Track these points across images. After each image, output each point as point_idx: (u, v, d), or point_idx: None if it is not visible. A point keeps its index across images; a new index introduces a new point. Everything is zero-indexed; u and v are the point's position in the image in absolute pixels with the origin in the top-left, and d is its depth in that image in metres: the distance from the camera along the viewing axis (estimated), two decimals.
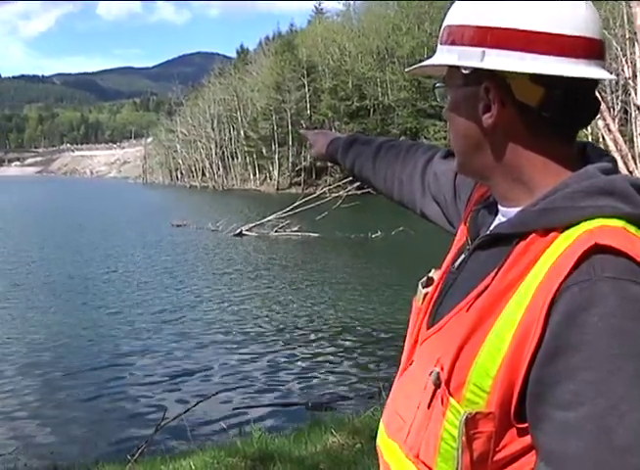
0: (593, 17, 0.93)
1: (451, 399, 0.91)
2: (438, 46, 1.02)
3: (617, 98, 27.00)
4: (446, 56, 0.99)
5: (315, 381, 8.48)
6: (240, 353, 9.75)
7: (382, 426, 1.11)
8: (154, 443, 5.79)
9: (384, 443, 1.09)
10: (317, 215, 23.24)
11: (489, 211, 1.06)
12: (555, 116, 0.93)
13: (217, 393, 7.53)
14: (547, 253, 0.86)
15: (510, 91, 0.93)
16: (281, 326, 11.44)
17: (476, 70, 0.94)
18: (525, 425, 0.87)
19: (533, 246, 0.88)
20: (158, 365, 9.23)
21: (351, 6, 77.61)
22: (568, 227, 0.87)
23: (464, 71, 0.96)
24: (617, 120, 14.46)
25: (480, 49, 0.93)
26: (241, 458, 4.63)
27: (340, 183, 25.76)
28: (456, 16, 0.98)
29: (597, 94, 0.98)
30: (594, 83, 0.94)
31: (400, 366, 1.13)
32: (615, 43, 23.82)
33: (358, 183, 26.44)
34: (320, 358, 9.45)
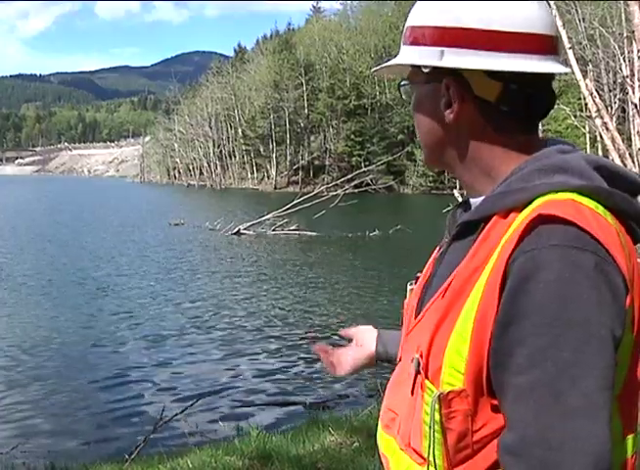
0: (545, 14, 0.97)
1: (426, 381, 0.94)
2: (402, 46, 1.06)
3: (615, 97, 27.01)
4: (409, 55, 1.03)
5: (313, 380, 8.47)
6: (237, 352, 9.74)
7: (379, 423, 1.14)
8: (151, 441, 5.79)
9: (381, 438, 1.11)
10: (315, 214, 23.25)
11: (465, 207, 1.10)
12: (513, 109, 0.97)
13: (215, 392, 7.53)
14: (507, 233, 0.89)
15: (469, 87, 0.98)
16: (279, 325, 11.44)
17: (436, 69, 0.98)
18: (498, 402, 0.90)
19: (496, 228, 0.92)
20: (155, 364, 9.22)
21: (348, 5, 77.68)
22: (525, 206, 0.90)
23: (424, 70, 1.00)
24: (614, 119, 14.46)
25: (439, 48, 0.97)
26: (239, 457, 4.63)
27: (337, 182, 25.83)
28: (417, 16, 1.02)
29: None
30: (550, 77, 0.99)
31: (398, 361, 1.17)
32: (612, 41, 23.81)
33: (355, 182, 26.53)
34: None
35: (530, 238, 0.85)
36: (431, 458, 0.94)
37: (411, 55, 1.02)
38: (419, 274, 1.19)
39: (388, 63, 1.08)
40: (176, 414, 6.28)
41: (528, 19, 0.95)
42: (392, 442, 1.06)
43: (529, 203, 0.90)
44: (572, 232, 0.85)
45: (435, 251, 1.15)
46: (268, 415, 7.18)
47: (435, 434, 0.93)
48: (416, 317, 1.07)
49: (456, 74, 0.97)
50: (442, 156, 1.06)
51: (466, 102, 0.98)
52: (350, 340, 1.48)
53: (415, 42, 1.01)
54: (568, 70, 1.01)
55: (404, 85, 1.10)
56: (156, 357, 9.54)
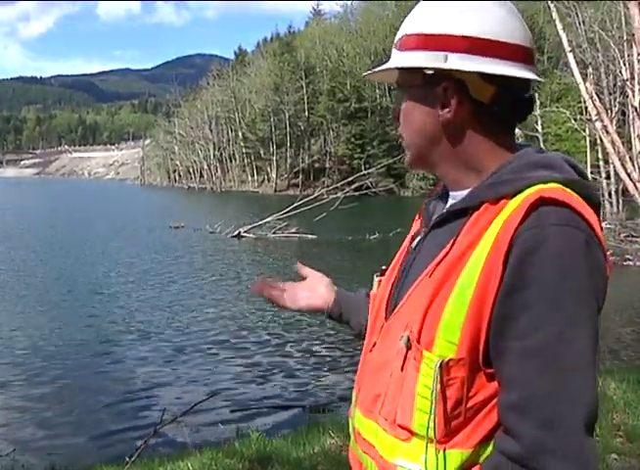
0: (527, 30, 1.12)
1: (424, 351, 1.03)
2: (396, 52, 1.15)
3: (615, 100, 26.97)
4: (412, 59, 1.11)
5: (313, 382, 8.47)
6: (237, 355, 9.74)
7: (356, 413, 1.19)
8: (151, 444, 5.78)
9: (362, 425, 1.16)
10: (315, 217, 23.24)
11: (439, 200, 1.22)
12: (502, 111, 1.09)
13: (215, 394, 7.52)
14: (499, 216, 1.01)
15: (466, 90, 1.08)
16: (278, 327, 11.43)
17: (435, 72, 1.08)
18: (492, 370, 1.00)
19: (486, 213, 1.03)
20: (156, 367, 9.21)
21: (349, 7, 77.75)
22: (514, 195, 1.02)
23: (428, 72, 1.09)
24: (614, 122, 14.46)
25: (444, 53, 1.07)
26: (239, 460, 4.62)
27: (338, 185, 25.81)
28: (416, 25, 1.12)
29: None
30: (529, 84, 1.12)
31: (361, 356, 1.24)
32: (612, 45, 23.84)
33: (356, 185, 26.53)
34: (318, 360, 9.45)
35: (533, 217, 0.97)
36: (431, 424, 1.01)
37: (415, 59, 1.11)
38: (384, 267, 1.30)
39: (386, 66, 1.17)
40: (176, 417, 6.27)
41: (516, 32, 1.09)
42: (373, 424, 1.12)
43: (518, 192, 1.01)
44: (568, 213, 0.97)
45: (406, 243, 1.25)
46: (268, 418, 7.17)
47: (429, 404, 1.01)
48: (387, 306, 1.17)
49: (455, 78, 1.08)
50: (430, 155, 1.15)
51: (462, 103, 1.09)
52: (303, 278, 1.50)
53: (417, 48, 1.10)
54: (543, 79, 1.14)
55: (395, 89, 1.20)
56: (156, 360, 9.53)
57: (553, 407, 0.94)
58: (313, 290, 1.47)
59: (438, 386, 1.00)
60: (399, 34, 1.15)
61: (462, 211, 1.08)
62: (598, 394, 0.97)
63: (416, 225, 1.26)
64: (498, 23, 1.07)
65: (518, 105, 1.11)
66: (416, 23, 1.12)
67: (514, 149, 1.11)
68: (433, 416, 1.00)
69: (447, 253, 1.04)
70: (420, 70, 1.10)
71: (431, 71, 1.09)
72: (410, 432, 1.04)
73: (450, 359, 1.00)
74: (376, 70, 1.20)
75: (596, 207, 1.04)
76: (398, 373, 1.07)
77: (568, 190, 1.01)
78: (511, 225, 0.97)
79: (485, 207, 1.04)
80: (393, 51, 1.16)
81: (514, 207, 0.99)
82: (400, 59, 1.13)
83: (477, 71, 1.06)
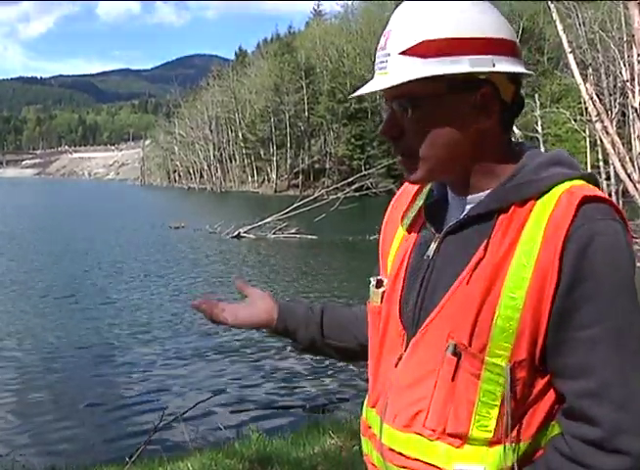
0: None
1: (487, 358, 1.03)
2: (414, 60, 1.04)
3: (615, 101, 26.98)
4: (451, 66, 1.04)
5: (313, 383, 8.47)
6: (237, 355, 9.74)
7: (384, 430, 1.15)
8: (151, 444, 5.78)
9: (395, 440, 1.13)
10: (315, 217, 23.24)
11: (439, 204, 1.17)
12: (519, 108, 1.12)
13: (215, 394, 7.53)
14: (533, 217, 1.02)
15: (499, 93, 1.08)
16: None
17: (465, 79, 1.04)
18: (544, 366, 1.03)
19: (516, 215, 1.04)
20: (155, 367, 9.22)
21: (349, 8, 77.72)
22: (540, 195, 1.03)
23: (473, 77, 1.04)
24: (614, 123, 14.47)
25: (490, 57, 1.05)
26: (239, 460, 4.63)
27: (338, 185, 25.81)
28: (439, 29, 1.04)
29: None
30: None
31: (375, 371, 1.20)
32: (612, 46, 23.86)
33: (356, 185, 26.56)
34: (318, 361, 9.44)
35: (581, 214, 1.00)
36: (498, 427, 1.03)
37: (457, 65, 1.04)
38: (379, 278, 1.23)
39: (419, 75, 1.04)
40: (176, 417, 6.28)
41: (510, 29, 1.10)
42: (416, 437, 1.10)
43: (545, 192, 1.03)
44: (607, 208, 1.02)
45: (397, 255, 1.20)
46: (268, 418, 7.17)
47: (492, 410, 1.04)
48: (403, 319, 1.14)
49: (491, 82, 1.06)
50: (452, 167, 1.10)
51: (497, 107, 1.08)
52: (245, 296, 1.45)
53: (456, 53, 1.04)
54: (533, 73, 1.20)
55: (399, 101, 1.08)
56: (156, 361, 9.53)
57: (629, 389, 0.99)
58: (255, 306, 1.41)
59: (509, 389, 1.02)
60: (410, 40, 1.05)
61: (483, 216, 1.07)
62: None
63: (414, 231, 1.20)
64: (501, 22, 1.09)
65: (522, 102, 1.13)
66: (433, 27, 1.04)
67: (515, 148, 1.13)
68: (506, 418, 1.03)
69: (482, 257, 1.03)
70: (442, 77, 1.03)
71: (482, 74, 1.05)
72: (463, 437, 1.05)
73: (515, 362, 1.02)
74: (382, 86, 1.08)
75: None
76: (448, 383, 1.06)
77: (590, 185, 1.06)
78: (561, 224, 1.00)
79: (514, 209, 1.04)
80: (402, 59, 1.05)
81: (551, 206, 1.02)
82: (430, 67, 1.04)
83: (507, 72, 1.07)
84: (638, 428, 0.98)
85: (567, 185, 1.03)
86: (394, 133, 1.10)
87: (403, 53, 1.05)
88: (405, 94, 1.07)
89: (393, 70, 1.06)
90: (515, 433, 1.04)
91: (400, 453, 1.11)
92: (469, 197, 1.11)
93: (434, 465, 1.07)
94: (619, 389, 0.99)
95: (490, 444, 1.04)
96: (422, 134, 1.08)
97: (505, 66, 1.06)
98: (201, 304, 1.42)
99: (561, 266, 0.99)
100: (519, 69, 1.08)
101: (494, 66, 1.04)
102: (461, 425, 1.05)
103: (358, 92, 1.16)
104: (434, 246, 1.13)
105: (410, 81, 1.04)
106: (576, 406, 1.01)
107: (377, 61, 1.11)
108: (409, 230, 1.21)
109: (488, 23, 1.06)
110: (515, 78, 1.09)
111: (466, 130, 1.07)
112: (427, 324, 1.10)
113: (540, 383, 1.05)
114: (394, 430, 1.13)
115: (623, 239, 1.02)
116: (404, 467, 1.11)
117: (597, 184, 1.09)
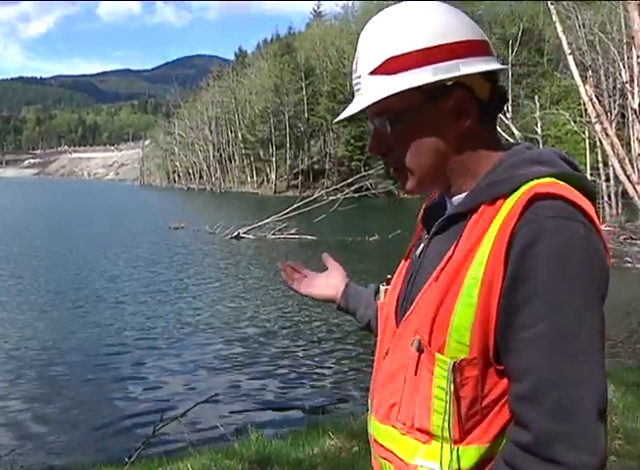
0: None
1: (437, 354, 1.04)
2: (381, 78, 1.07)
3: (615, 102, 26.98)
4: (416, 78, 1.05)
5: (313, 384, 8.47)
6: (237, 356, 9.73)
7: (372, 420, 1.20)
8: (151, 445, 5.78)
9: (378, 432, 1.17)
10: (315, 218, 23.25)
11: (438, 206, 1.21)
12: (498, 104, 1.12)
13: (215, 395, 7.52)
14: (498, 216, 1.02)
15: (474, 93, 1.08)
16: (278, 329, 11.44)
17: (437, 85, 1.06)
18: (502, 366, 1.01)
19: (485, 214, 1.04)
20: (155, 368, 9.21)
21: (349, 8, 77.80)
22: (510, 193, 1.02)
23: (442, 84, 1.05)
24: (614, 125, 14.48)
25: (454, 62, 1.05)
26: (238, 461, 4.63)
27: (337, 186, 25.80)
28: (400, 44, 1.06)
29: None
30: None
31: (375, 364, 1.24)
32: (612, 47, 23.86)
33: (355, 186, 26.53)
34: (318, 361, 9.45)
35: (530, 212, 0.98)
36: (445, 425, 1.03)
37: (421, 76, 1.05)
38: (389, 276, 1.32)
39: (387, 93, 1.06)
40: (176, 417, 6.27)
41: (475, 28, 1.11)
42: (392, 430, 1.13)
43: (515, 189, 1.02)
44: (562, 205, 0.98)
45: (411, 248, 1.27)
46: (268, 419, 7.17)
47: (445, 405, 1.02)
48: (396, 314, 1.18)
49: (464, 84, 1.07)
50: (440, 173, 1.12)
51: (474, 107, 1.08)
52: (325, 269, 1.62)
53: (419, 64, 1.05)
54: (505, 67, 1.20)
55: (378, 119, 1.11)
56: (155, 361, 9.53)
57: (564, 394, 0.94)
58: (328, 280, 1.59)
59: (452, 386, 1.01)
60: (376, 60, 1.08)
61: (461, 215, 1.08)
62: (606, 380, 0.97)
63: (418, 233, 1.27)
64: (464, 23, 1.10)
65: (503, 96, 1.12)
66: (396, 43, 1.06)
67: (501, 146, 1.13)
68: (447, 416, 1.02)
69: (450, 257, 1.05)
70: (417, 88, 1.05)
71: (449, 82, 1.06)
72: (429, 433, 1.06)
73: (463, 360, 1.01)
74: (358, 108, 1.11)
75: (591, 196, 1.05)
76: (413, 378, 1.08)
77: (561, 183, 1.01)
78: (509, 223, 0.99)
79: (483, 208, 1.04)
80: (372, 79, 1.08)
81: (511, 205, 1.00)
82: (398, 82, 1.06)
83: (481, 72, 1.07)
84: (572, 438, 0.93)
85: (533, 183, 1.01)
86: (381, 149, 1.14)
87: (372, 73, 1.09)
88: (384, 111, 1.09)
89: (366, 90, 1.10)
90: (477, 434, 1.03)
91: (382, 445, 1.16)
92: (454, 198, 1.14)
93: (400, 458, 1.11)
94: (555, 393, 0.94)
95: (454, 442, 1.03)
96: (405, 147, 1.10)
97: (473, 67, 1.06)
98: (286, 267, 1.65)
99: (506, 266, 0.98)
100: (489, 66, 1.08)
101: (460, 69, 1.05)
102: (423, 421, 1.06)
103: (340, 117, 1.17)
104: (422, 246, 1.18)
105: (385, 98, 1.06)
106: (515, 410, 0.99)
107: (353, 83, 1.14)
108: (416, 232, 1.28)
109: (449, 28, 1.07)
110: (489, 76, 1.09)
111: (447, 136, 1.09)
112: (404, 320, 1.14)
113: (502, 384, 1.02)
114: (377, 422, 1.17)
115: (578, 238, 0.97)
116: (384, 458, 1.15)
117: (579, 182, 1.05)
